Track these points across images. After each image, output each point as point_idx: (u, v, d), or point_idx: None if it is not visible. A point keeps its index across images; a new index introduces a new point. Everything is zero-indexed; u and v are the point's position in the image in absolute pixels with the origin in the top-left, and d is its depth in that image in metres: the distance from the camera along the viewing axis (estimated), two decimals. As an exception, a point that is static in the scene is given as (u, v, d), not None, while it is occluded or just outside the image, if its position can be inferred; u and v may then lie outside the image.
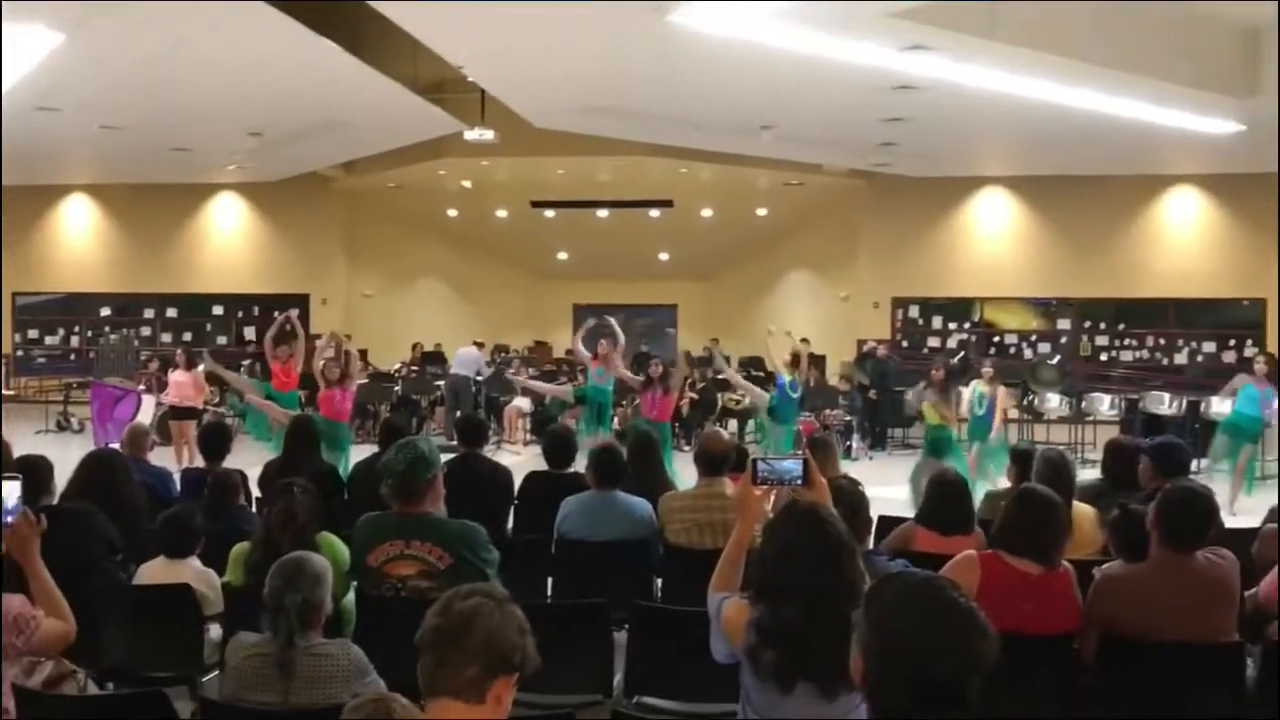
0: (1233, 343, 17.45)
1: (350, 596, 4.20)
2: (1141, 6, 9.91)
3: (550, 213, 20.69)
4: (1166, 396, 14.07)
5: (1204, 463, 11.29)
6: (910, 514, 5.18)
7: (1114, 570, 3.79)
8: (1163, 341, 17.72)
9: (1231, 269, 17.09)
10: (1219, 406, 12.31)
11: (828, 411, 14.88)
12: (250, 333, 20.15)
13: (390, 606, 3.88)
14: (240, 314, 20.37)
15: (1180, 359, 17.61)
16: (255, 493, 6.23)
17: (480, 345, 16.32)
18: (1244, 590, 3.88)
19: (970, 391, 10.81)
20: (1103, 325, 17.98)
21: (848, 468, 10.97)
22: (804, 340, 17.72)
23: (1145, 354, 17.67)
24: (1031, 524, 3.75)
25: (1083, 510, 4.96)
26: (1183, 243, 17.31)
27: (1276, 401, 10.95)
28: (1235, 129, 12.35)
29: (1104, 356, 17.82)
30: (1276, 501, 5.62)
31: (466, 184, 19.26)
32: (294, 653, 2.98)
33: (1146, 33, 10.11)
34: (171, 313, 20.51)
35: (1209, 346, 17.48)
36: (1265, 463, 12.18)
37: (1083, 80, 10.57)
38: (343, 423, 10.28)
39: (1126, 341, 17.88)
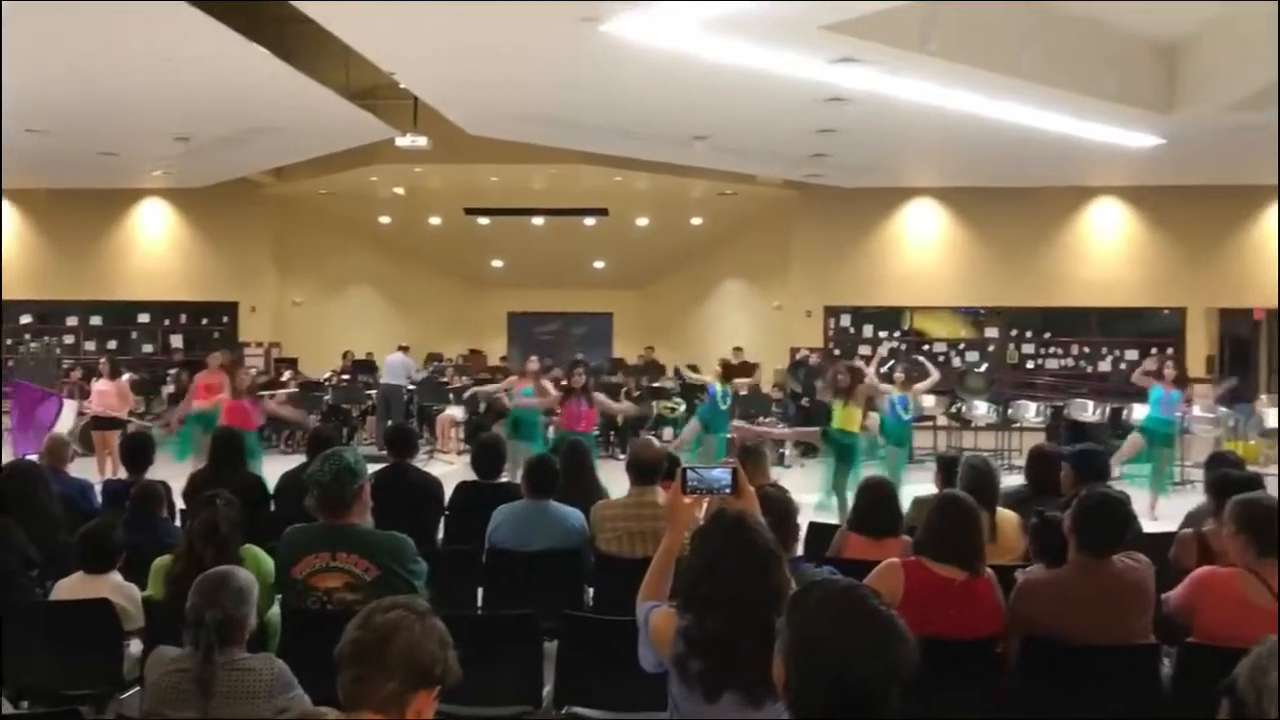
0: (1154, 351, 17.85)
1: (275, 609, 4.14)
2: (1066, 22, 10.14)
3: (484, 220, 20.59)
4: (1090, 404, 14.39)
5: (1124, 468, 11.54)
6: (819, 519, 5.24)
7: (1034, 575, 3.87)
8: (1087, 350, 18.11)
9: (1153, 279, 17.51)
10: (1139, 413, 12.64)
11: (761, 419, 14.96)
12: (178, 341, 19.78)
13: (316, 619, 3.82)
14: (167, 322, 19.98)
15: (1104, 367, 18.01)
16: (180, 505, 6.11)
17: (405, 349, 16.14)
18: (1161, 593, 3.97)
19: (886, 395, 10.82)
20: (1029, 334, 18.33)
21: (781, 475, 11.09)
22: (737, 349, 17.92)
23: (1070, 362, 18.05)
24: (953, 530, 3.81)
25: (1006, 516, 5.05)
26: (1106, 253, 17.71)
27: (1181, 404, 11.37)
28: (1156, 142, 12.67)
29: (1030, 365, 18.17)
30: (1194, 506, 5.76)
31: (399, 191, 19.10)
32: (213, 668, 2.93)
33: (1071, 48, 10.34)
34: (96, 320, 20.05)
35: (1131, 354, 17.87)
36: (1184, 467, 12.52)
37: (1010, 94, 10.78)
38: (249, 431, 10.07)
39: (1052, 350, 18.24)
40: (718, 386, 11.95)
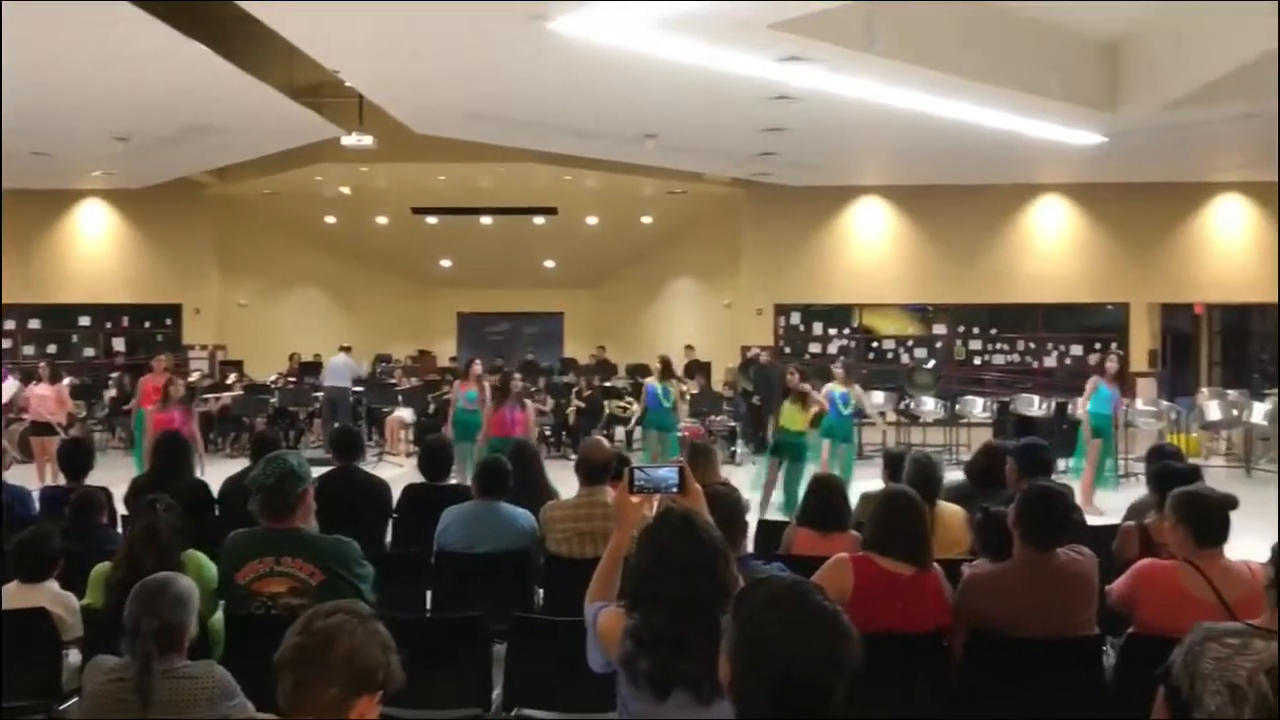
0: (1098, 345, 18.11)
1: (219, 616, 4.08)
2: (1009, 22, 10.26)
3: (432, 219, 20.47)
4: (1036, 398, 14.57)
5: (1071, 461, 11.68)
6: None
7: (979, 569, 3.90)
8: (1032, 345, 18.36)
9: (1096, 275, 17.78)
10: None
11: (713, 417, 15.00)
12: (120, 344, 19.46)
13: (260, 625, 3.77)
14: (109, 325, 19.66)
15: (1049, 362, 18.27)
16: (122, 511, 5.99)
17: (348, 350, 15.97)
18: (1105, 585, 4.02)
19: (827, 392, 10.76)
20: (976, 330, 18.54)
21: (732, 473, 11.12)
22: (689, 347, 17.97)
23: (1016, 358, 18.29)
24: (898, 526, 3.84)
25: (951, 510, 5.09)
26: (1051, 250, 17.95)
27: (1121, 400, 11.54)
28: (1098, 140, 12.86)
29: (977, 360, 18.39)
30: (1137, 499, 5.84)
31: (345, 190, 18.94)
32: (152, 677, 2.86)
33: (1014, 47, 10.47)
34: (34, 324, 19.66)
35: (1076, 349, 18.16)
36: (1128, 460, 12.71)
37: (954, 92, 10.88)
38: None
39: (998, 345, 18.48)
40: (656, 385, 11.92)
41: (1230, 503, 3.77)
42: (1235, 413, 13.67)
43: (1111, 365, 11.57)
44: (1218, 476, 12.08)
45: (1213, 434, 14.54)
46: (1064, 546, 3.81)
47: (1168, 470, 4.72)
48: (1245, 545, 3.20)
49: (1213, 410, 13.54)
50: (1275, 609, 2.92)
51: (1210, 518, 3.67)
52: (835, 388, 10.83)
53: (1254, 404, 13.80)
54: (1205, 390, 15.74)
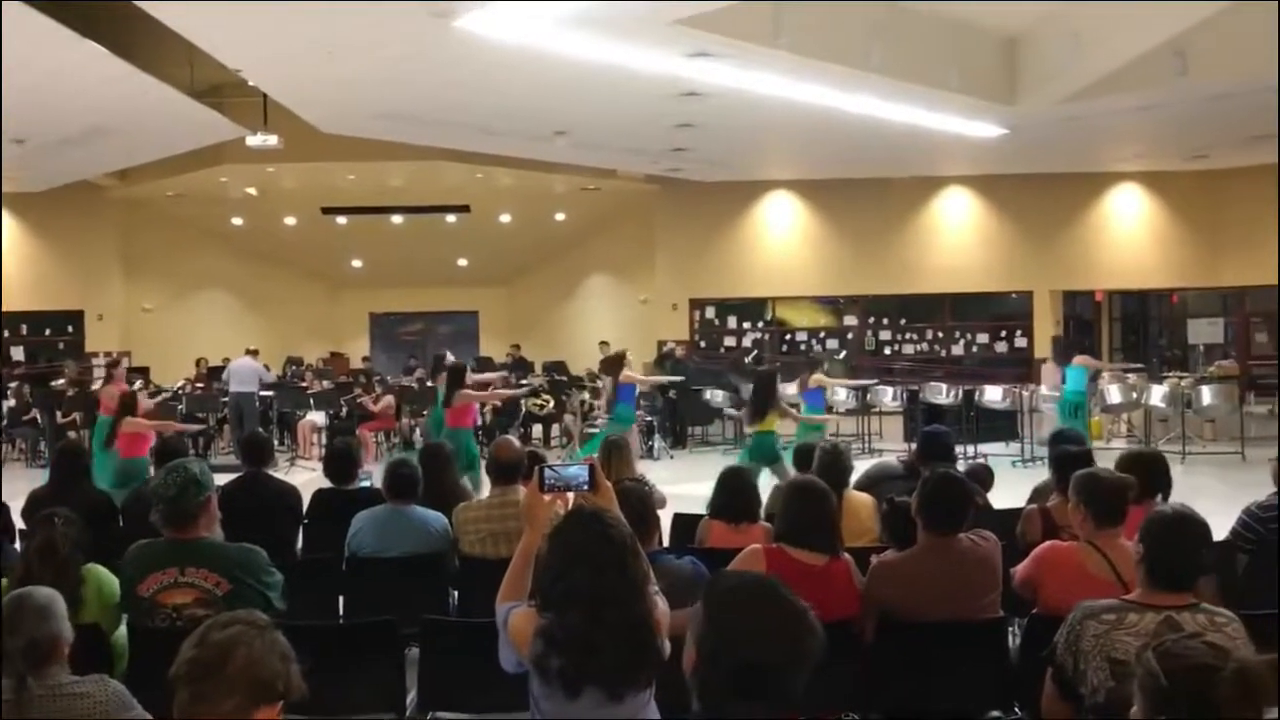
0: (1004, 333, 18.59)
1: (122, 629, 3.98)
2: (912, 17, 10.44)
3: (342, 219, 20.18)
4: (944, 386, 14.86)
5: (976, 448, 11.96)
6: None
7: (886, 557, 3.98)
8: (941, 335, 18.72)
9: (1001, 264, 18.19)
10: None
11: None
12: (19, 353, 18.83)
13: (165, 637, 3.68)
14: (7, 333, 18.99)
15: (957, 350, 18.64)
16: (20, 525, 5.81)
17: (254, 353, 15.70)
18: (1010, 567, 4.12)
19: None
20: (886, 320, 18.84)
21: (649, 467, 11.16)
22: (603, 343, 17.97)
23: (925, 347, 18.63)
24: (805, 515, 3.89)
25: (860, 499, 5.18)
26: (956, 240, 18.31)
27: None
28: (999, 132, 13.15)
29: (887, 350, 18.70)
30: (1040, 482, 5.99)
31: (251, 191, 18.57)
32: (27, 696, 2.77)
33: (917, 41, 10.65)
34: (-72, 333, 18.96)
35: (983, 338, 18.57)
36: (1032, 444, 13.04)
37: (860, 87, 11.04)
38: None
39: (908, 335, 18.80)
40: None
41: (1127, 484, 3.89)
42: (1135, 395, 14.09)
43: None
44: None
45: (1114, 416, 14.97)
46: (968, 531, 3.90)
47: (1065, 454, 4.86)
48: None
49: (1113, 394, 13.93)
50: (1147, 583, 3.04)
51: (1107, 499, 3.79)
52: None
53: (1153, 387, 14.24)
54: (1106, 374, 16.20)
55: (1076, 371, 12.23)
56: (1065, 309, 19.03)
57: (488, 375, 13.80)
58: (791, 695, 1.89)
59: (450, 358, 12.19)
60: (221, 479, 5.64)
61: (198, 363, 17.19)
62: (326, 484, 6.34)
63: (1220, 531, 5.19)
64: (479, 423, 10.83)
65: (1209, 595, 4.99)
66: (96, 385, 16.46)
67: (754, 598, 1.96)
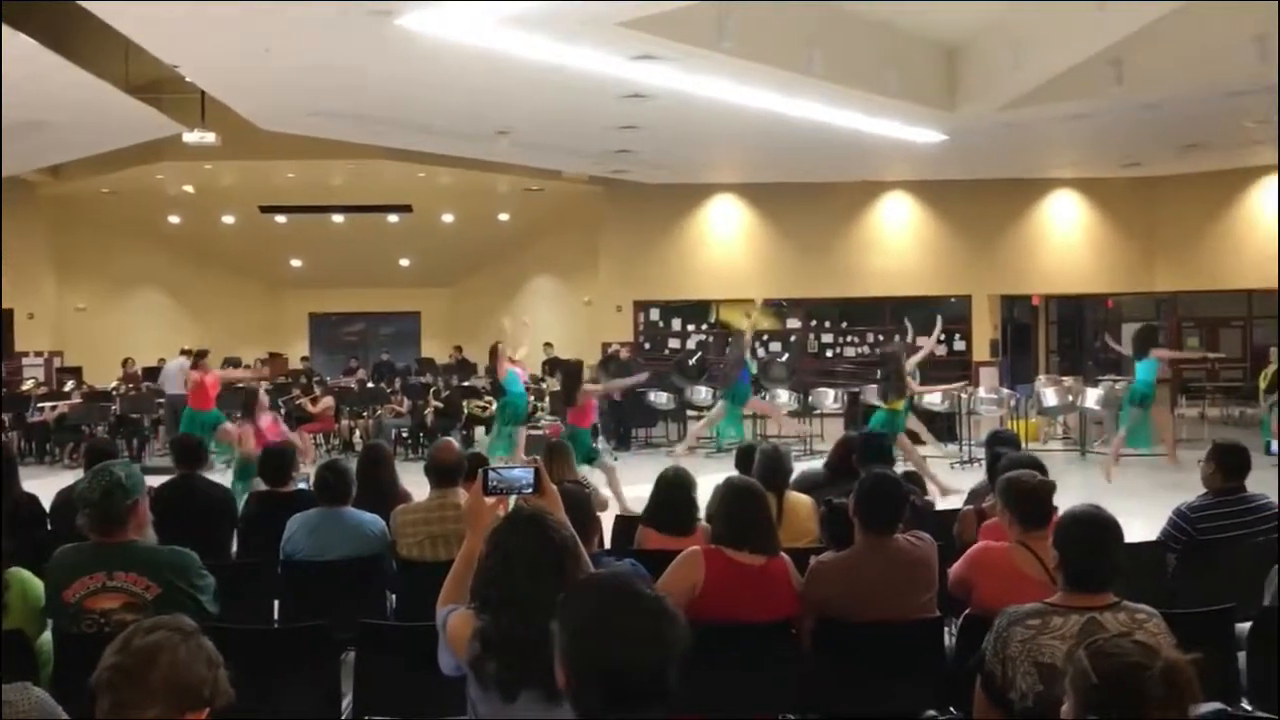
0: (943, 337, 18.76)
1: (47, 636, 3.88)
2: (854, 23, 10.54)
3: (281, 218, 19.92)
4: (885, 389, 14.96)
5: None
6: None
7: (824, 557, 3.99)
8: (881, 338, 18.85)
9: (940, 268, 18.41)
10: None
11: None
12: (-54, 353, 18.34)
13: (92, 644, 3.59)
14: (-68, 332, 18.53)
15: (898, 354, 18.76)
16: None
17: (188, 353, 15.41)
18: (946, 568, 4.16)
19: None
20: (828, 324, 18.98)
21: (593, 471, 11.10)
22: (548, 344, 17.92)
23: (866, 350, 18.77)
24: (740, 516, 3.90)
25: (800, 500, 5.20)
26: (897, 245, 18.50)
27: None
28: (940, 138, 13.31)
29: (829, 353, 18.82)
30: (976, 483, 6.06)
31: (188, 189, 18.26)
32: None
33: (859, 48, 10.75)
34: None
35: (923, 341, 18.70)
36: (971, 446, 13.19)
37: (804, 91, 11.12)
38: None
39: (849, 338, 18.96)
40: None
41: (1048, 487, 3.94)
42: (1070, 398, 14.32)
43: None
44: (1055, 460, 12.65)
45: (1050, 419, 15.21)
46: (905, 533, 3.93)
47: (998, 456, 4.92)
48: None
49: (1049, 397, 14.15)
50: (1067, 586, 3.08)
51: (1030, 502, 3.84)
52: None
53: (1088, 390, 14.49)
54: (1043, 377, 16.47)
55: (1149, 364, 11.88)
56: (1004, 313, 19.30)
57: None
58: (665, 691, 1.86)
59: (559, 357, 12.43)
60: (155, 481, 5.55)
61: (124, 363, 16.85)
62: (263, 486, 6.25)
63: (1151, 532, 5.29)
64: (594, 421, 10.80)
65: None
66: (26, 385, 16.13)
67: (606, 602, 1.92)
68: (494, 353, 11.72)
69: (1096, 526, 3.12)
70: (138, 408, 15.07)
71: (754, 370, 12.30)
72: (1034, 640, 2.95)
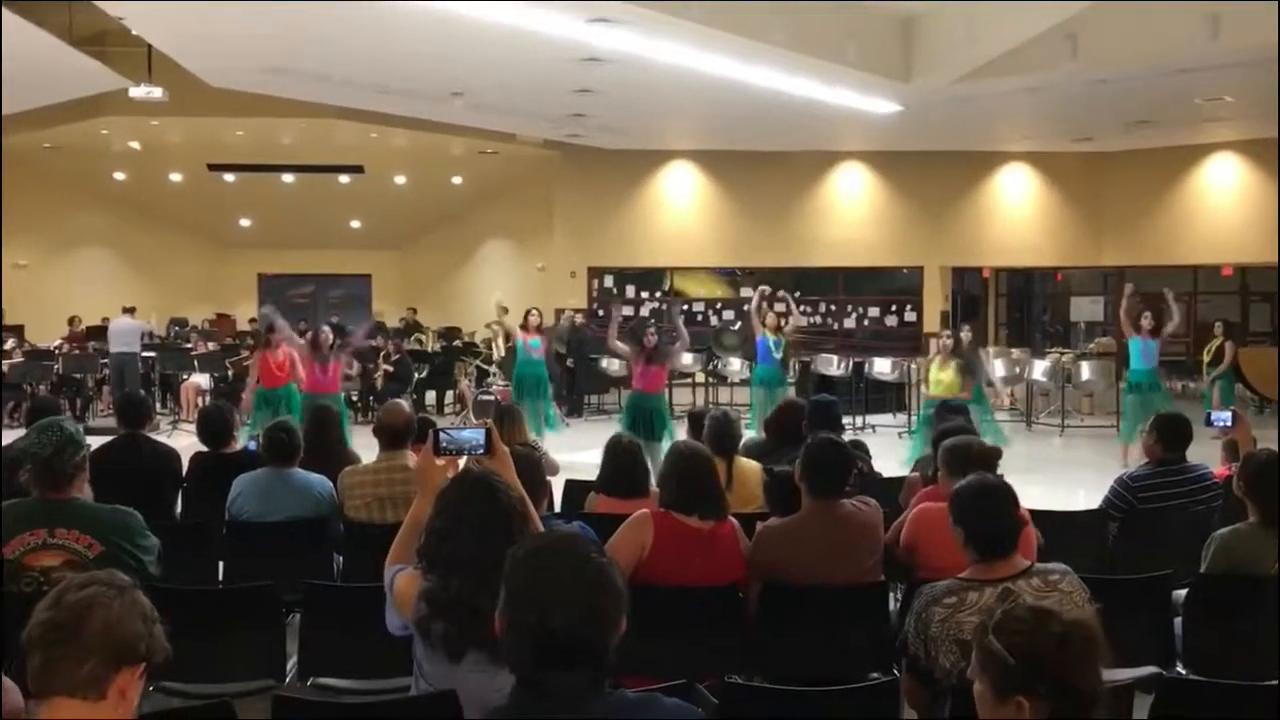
0: (894, 308, 18.94)
1: (-14, 594, 3.81)
2: (811, -10, 10.49)
3: (230, 177, 19.61)
4: (835, 358, 15.11)
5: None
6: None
7: (771, 523, 4.02)
8: (834, 307, 18.99)
9: (893, 239, 18.50)
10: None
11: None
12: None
13: (31, 602, 3.52)
14: None
15: (849, 323, 18.93)
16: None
17: (131, 311, 15.14)
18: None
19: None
20: (781, 293, 19.00)
21: (546, 434, 11.10)
22: (503, 308, 17.81)
23: (818, 319, 18.87)
24: (685, 480, 3.91)
25: (749, 466, 5.22)
26: (851, 215, 18.56)
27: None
28: (895, 109, 13.33)
29: (782, 323, 18.84)
30: (923, 451, 6.13)
31: (134, 145, 17.90)
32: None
33: (817, 17, 10.71)
34: None
35: (874, 311, 18.89)
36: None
37: (761, 59, 11.07)
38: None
39: (802, 308, 18.98)
40: (768, 336, 11.98)
41: (993, 454, 3.99)
42: (1018, 370, 14.52)
43: (1147, 321, 11.19)
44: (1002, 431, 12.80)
45: (996, 390, 15.40)
46: (851, 498, 3.96)
47: (945, 425, 4.98)
48: (1028, 495, 3.40)
49: (998, 368, 14.32)
50: (975, 558, 3.12)
51: (971, 467, 3.87)
52: (768, 334, 11.48)
53: (1035, 361, 14.70)
54: (991, 349, 16.67)
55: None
56: (954, 285, 19.47)
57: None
58: (597, 654, 1.86)
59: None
60: (99, 441, 5.47)
61: (70, 321, 16.57)
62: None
63: (1097, 502, 5.39)
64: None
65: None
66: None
67: (543, 563, 1.91)
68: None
69: (989, 492, 3.17)
70: (80, 367, 14.81)
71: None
72: (952, 619, 2.98)
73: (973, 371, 10.54)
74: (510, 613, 1.88)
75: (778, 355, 11.80)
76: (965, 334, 11.73)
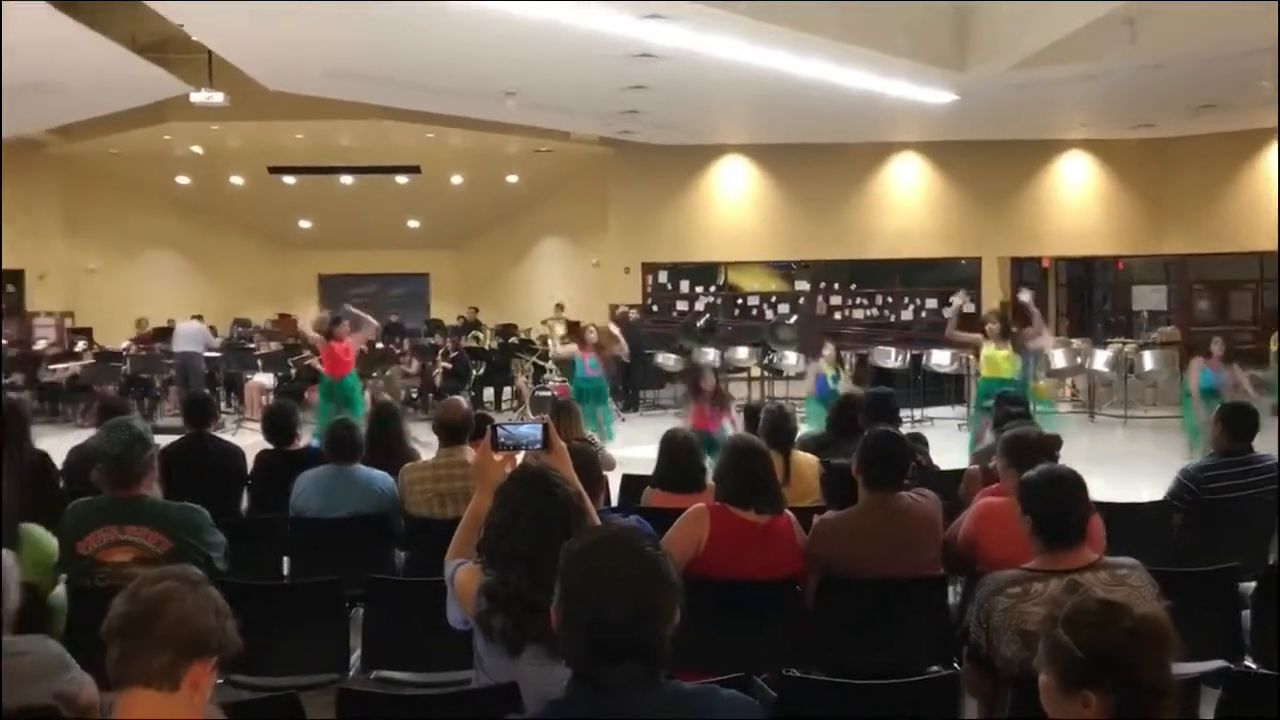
0: (951, 299, 18.68)
1: (60, 589, 3.93)
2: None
3: (290, 179, 19.89)
4: (893, 351, 14.99)
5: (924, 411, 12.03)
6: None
7: (828, 516, 4.00)
8: (890, 300, 18.83)
9: (950, 230, 18.31)
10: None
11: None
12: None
13: (105, 597, 3.63)
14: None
15: (906, 316, 18.77)
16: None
17: (200, 318, 15.48)
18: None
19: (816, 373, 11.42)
20: (836, 286, 18.92)
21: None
22: (559, 305, 17.94)
23: (875, 312, 18.72)
24: (741, 474, 3.90)
25: (806, 460, 5.21)
26: (907, 206, 18.39)
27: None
28: (951, 99, 13.19)
29: (838, 315, 18.78)
30: (982, 445, 6.08)
31: (197, 149, 18.25)
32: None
33: (871, 7, 10.63)
34: None
35: (931, 303, 18.70)
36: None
37: (814, 51, 11.01)
38: None
39: (858, 300, 18.90)
40: (826, 371, 11.71)
41: (1052, 442, 3.94)
42: (1079, 360, 14.30)
43: (1216, 348, 10.98)
44: (1064, 422, 12.63)
45: (1058, 381, 15.18)
46: (909, 491, 3.94)
47: (1005, 414, 4.92)
48: (1091, 488, 3.35)
49: (1058, 359, 14.12)
50: (1042, 549, 3.08)
51: (1032, 457, 3.83)
52: (825, 369, 11.28)
53: (1096, 352, 14.46)
54: (1049, 338, 16.40)
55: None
56: (1012, 275, 19.20)
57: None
58: (651, 649, 1.87)
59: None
60: (166, 440, 5.59)
61: (137, 323, 16.93)
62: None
63: (1160, 493, 5.31)
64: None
65: None
66: (39, 345, 16.22)
67: (599, 556, 1.93)
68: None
69: (1058, 483, 3.13)
70: (148, 368, 15.12)
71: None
72: (1015, 608, 2.95)
73: (1021, 358, 10.33)
74: (565, 607, 1.91)
75: (834, 388, 11.43)
76: (1025, 296, 11.39)
